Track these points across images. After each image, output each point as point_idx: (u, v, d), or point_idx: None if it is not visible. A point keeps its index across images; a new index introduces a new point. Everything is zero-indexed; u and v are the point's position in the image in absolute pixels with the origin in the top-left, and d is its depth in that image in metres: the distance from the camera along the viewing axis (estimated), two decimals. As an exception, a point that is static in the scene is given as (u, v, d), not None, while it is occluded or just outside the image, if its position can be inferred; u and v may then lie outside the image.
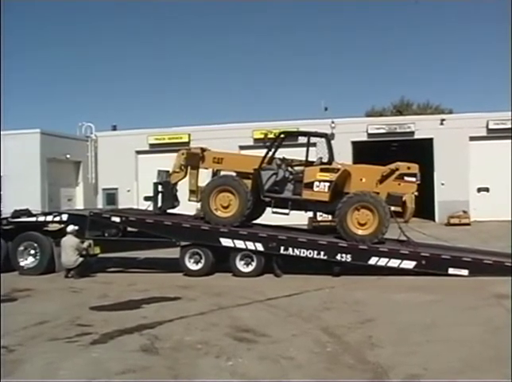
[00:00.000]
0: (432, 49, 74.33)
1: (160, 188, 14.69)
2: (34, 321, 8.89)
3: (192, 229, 13.64)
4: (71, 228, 13.75)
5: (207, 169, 14.93)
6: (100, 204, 32.43)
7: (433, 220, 29.76)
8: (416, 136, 30.35)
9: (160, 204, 14.63)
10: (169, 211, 14.83)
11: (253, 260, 13.16)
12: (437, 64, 73.06)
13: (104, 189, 32.97)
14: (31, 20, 74.07)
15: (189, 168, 14.60)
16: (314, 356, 6.88)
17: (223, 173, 14.59)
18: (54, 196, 30.33)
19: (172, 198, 14.62)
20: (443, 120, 30.28)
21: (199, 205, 14.70)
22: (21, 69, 74.66)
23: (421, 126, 30.21)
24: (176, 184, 14.74)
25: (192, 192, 14.49)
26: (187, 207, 14.99)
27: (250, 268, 13.17)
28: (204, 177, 15.03)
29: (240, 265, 13.22)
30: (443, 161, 29.33)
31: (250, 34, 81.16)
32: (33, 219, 14.84)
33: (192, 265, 13.43)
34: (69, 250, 13.45)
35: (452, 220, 27.69)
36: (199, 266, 13.38)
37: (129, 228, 14.69)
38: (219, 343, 7.45)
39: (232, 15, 76.10)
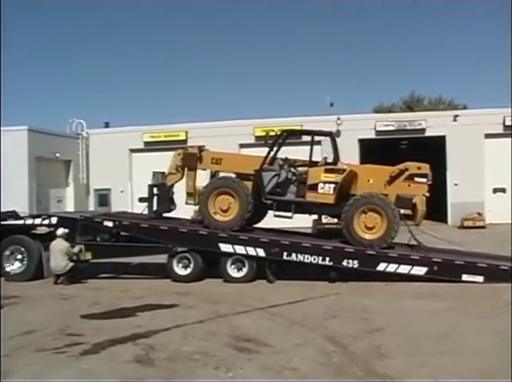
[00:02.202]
0: (444, 41, 74.30)
1: (155, 190, 14.72)
2: (21, 330, 8.92)
3: (190, 234, 13.67)
4: (61, 230, 13.79)
5: (205, 170, 14.94)
6: (92, 205, 32.44)
7: (446, 222, 29.75)
8: (428, 133, 30.33)
9: (155, 207, 14.66)
10: (165, 215, 14.85)
11: (244, 265, 13.24)
12: (450, 57, 73.04)
13: (96, 190, 32.97)
14: (18, 12, 74.23)
15: (186, 169, 14.62)
16: (319, 366, 6.91)
17: (222, 174, 14.62)
18: (43, 198, 30.26)
19: (168, 201, 14.64)
20: (456, 116, 30.24)
21: (196, 209, 14.73)
22: (6, 63, 74.78)
23: (433, 123, 30.19)
24: (172, 186, 14.76)
25: (189, 194, 14.50)
26: (184, 210, 15.02)
27: (242, 273, 13.26)
28: (203, 178, 15.05)
29: (231, 270, 13.30)
30: (456, 160, 29.29)
31: (251, 24, 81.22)
32: (21, 222, 14.89)
33: (180, 270, 13.52)
34: (58, 254, 13.50)
35: (466, 223, 27.65)
36: (188, 271, 13.47)
37: (122, 233, 14.71)
38: (219, 353, 7.49)
39: (233, 3, 76.15)
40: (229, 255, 13.26)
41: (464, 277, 12.40)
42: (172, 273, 13.54)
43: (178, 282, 13.28)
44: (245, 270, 13.24)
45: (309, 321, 9.33)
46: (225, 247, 13.26)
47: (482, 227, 27.06)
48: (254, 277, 13.24)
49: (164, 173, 14.85)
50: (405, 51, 75.61)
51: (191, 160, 14.53)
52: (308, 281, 12.95)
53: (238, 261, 13.28)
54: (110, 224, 14.23)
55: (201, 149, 14.82)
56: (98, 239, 14.72)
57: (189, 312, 10.25)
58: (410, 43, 74.69)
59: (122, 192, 31.99)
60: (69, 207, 31.69)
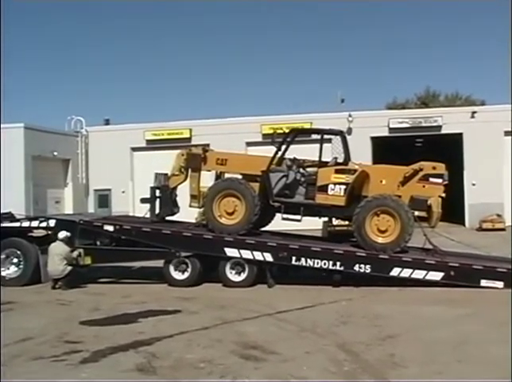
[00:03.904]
0: (460, 34, 74.10)
1: (157, 193, 14.75)
2: (17, 337, 8.96)
3: (194, 238, 13.71)
4: (63, 234, 13.80)
5: (209, 171, 14.99)
6: (92, 207, 32.59)
7: (463, 224, 29.72)
8: (444, 131, 30.32)
9: (157, 210, 14.70)
10: (168, 218, 14.92)
11: (244, 269, 13.27)
12: (467, 50, 72.85)
13: (96, 190, 33.13)
14: (17, 8, 74.61)
15: (190, 170, 14.66)
16: (330, 375, 6.92)
17: (227, 175, 14.65)
18: (40, 199, 30.38)
19: (171, 204, 14.69)
20: (474, 113, 30.20)
21: (201, 211, 14.75)
22: (3, 59, 75.09)
23: (449, 120, 30.16)
24: (175, 188, 14.81)
25: (193, 197, 14.52)
26: (187, 213, 15.05)
27: (242, 277, 13.30)
28: (207, 179, 15.08)
29: (230, 274, 13.35)
30: (474, 158, 29.25)
31: (258, 18, 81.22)
32: (17, 224, 14.93)
33: (177, 274, 13.55)
34: (56, 258, 13.52)
35: (485, 225, 27.61)
36: (186, 275, 13.51)
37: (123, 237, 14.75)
38: (224, 361, 7.52)
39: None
40: (228, 258, 13.30)
41: (483, 282, 12.39)
42: (168, 277, 13.57)
43: (178, 287, 13.31)
44: (245, 274, 13.27)
45: (319, 327, 9.34)
46: (231, 252, 13.27)
47: (502, 229, 26.99)
48: (254, 281, 13.28)
49: (166, 174, 14.89)
50: (420, 44, 75.43)
51: (195, 161, 14.54)
52: (312, 285, 12.96)
53: (237, 265, 13.32)
54: (110, 228, 14.27)
55: (205, 149, 14.86)
56: (98, 243, 14.78)
57: (193, 318, 10.29)
58: (425, 36, 74.45)
59: (123, 192, 32.12)
60: (68, 208, 31.79)
